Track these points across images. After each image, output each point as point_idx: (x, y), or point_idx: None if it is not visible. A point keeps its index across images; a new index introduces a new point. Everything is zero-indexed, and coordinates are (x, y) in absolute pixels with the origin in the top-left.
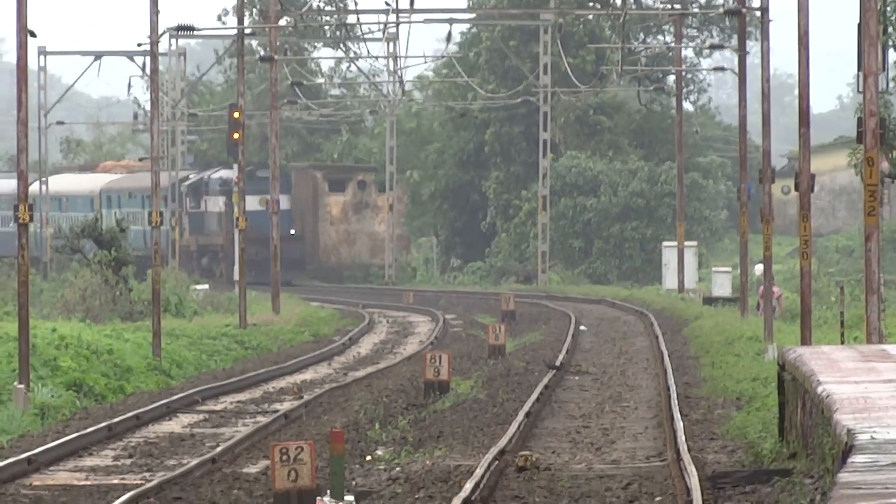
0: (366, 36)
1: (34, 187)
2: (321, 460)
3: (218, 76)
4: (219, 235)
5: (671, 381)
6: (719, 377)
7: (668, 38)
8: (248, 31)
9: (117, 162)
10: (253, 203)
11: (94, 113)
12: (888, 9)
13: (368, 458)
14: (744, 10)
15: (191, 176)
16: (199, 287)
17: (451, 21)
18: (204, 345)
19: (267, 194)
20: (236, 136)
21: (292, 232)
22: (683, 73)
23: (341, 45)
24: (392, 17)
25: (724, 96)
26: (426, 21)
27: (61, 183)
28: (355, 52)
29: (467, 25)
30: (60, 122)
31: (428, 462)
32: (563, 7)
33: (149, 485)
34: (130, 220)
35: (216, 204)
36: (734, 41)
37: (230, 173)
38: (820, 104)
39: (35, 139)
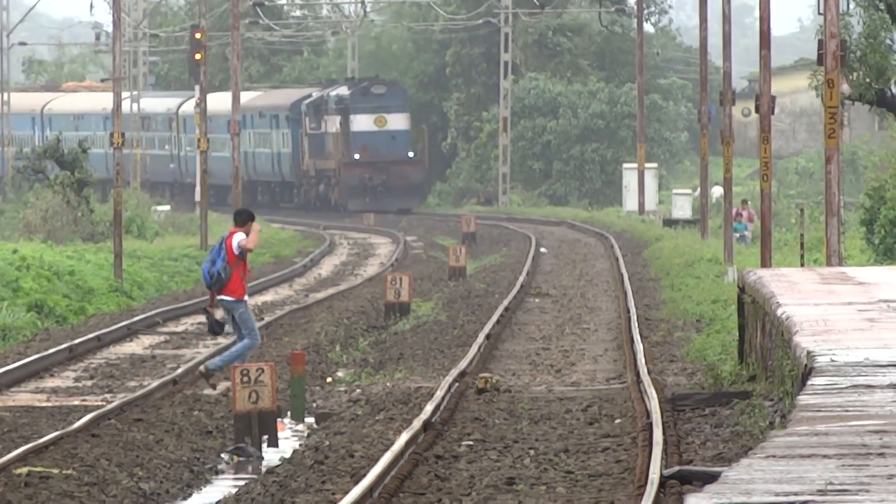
0: None
1: None
2: (282, 382)
3: None
4: (333, 159)
5: (631, 304)
6: (679, 299)
7: None
8: None
9: (79, 83)
10: (368, 123)
11: (56, 34)
12: None
13: (329, 379)
14: None
15: (313, 94)
16: (160, 208)
17: None
18: (165, 266)
19: (383, 113)
20: (198, 56)
21: (410, 155)
22: None
23: None
24: None
25: (684, 17)
26: None
27: (210, 104)
28: None
29: None
30: (23, 44)
31: (388, 384)
32: None
33: (109, 406)
34: (260, 142)
35: (334, 124)
36: None
37: (346, 90)
38: (780, 26)
39: None
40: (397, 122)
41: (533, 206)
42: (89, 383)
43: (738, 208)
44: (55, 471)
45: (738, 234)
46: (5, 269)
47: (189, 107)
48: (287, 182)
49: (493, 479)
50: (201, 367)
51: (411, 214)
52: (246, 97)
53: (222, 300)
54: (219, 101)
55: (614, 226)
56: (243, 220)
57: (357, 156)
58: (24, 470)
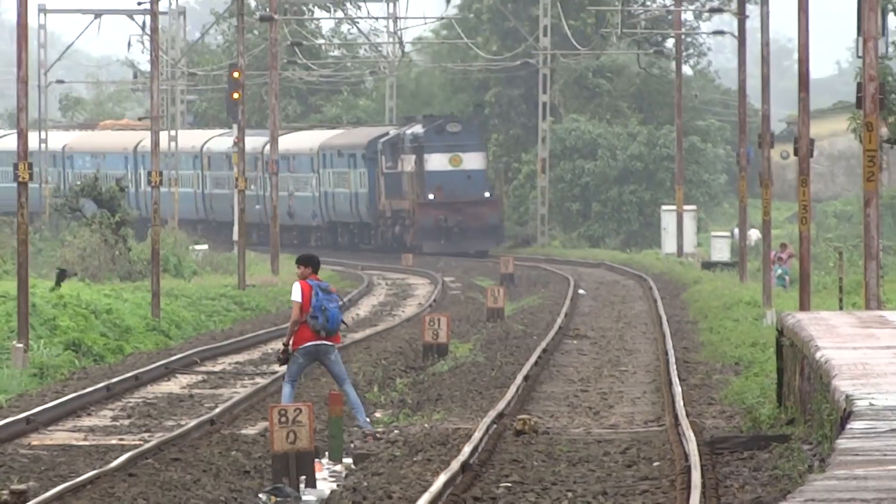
0: None
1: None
2: (320, 422)
3: (217, 37)
4: (408, 199)
5: (669, 346)
6: (718, 342)
7: (668, 1)
8: None
9: (117, 121)
10: (443, 162)
11: (93, 72)
12: None
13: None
14: None
15: (390, 131)
16: (198, 247)
17: None
18: (203, 305)
19: (458, 151)
20: (236, 95)
21: (487, 195)
22: (683, 37)
23: (341, 6)
24: None
25: (723, 60)
26: None
27: (288, 142)
28: (355, 13)
29: None
30: (60, 81)
31: (426, 425)
32: None
33: (147, 445)
34: (339, 181)
35: (409, 163)
36: (734, 4)
37: (420, 129)
38: (819, 69)
39: (35, 97)
40: (473, 161)
41: (571, 248)
42: (127, 422)
43: (776, 251)
44: None
45: (778, 274)
46: (43, 308)
47: (261, 147)
48: (364, 223)
49: None
50: (365, 432)
51: (489, 258)
52: (325, 135)
53: (325, 344)
54: (298, 141)
55: (653, 268)
56: (317, 267)
57: (431, 196)
58: None
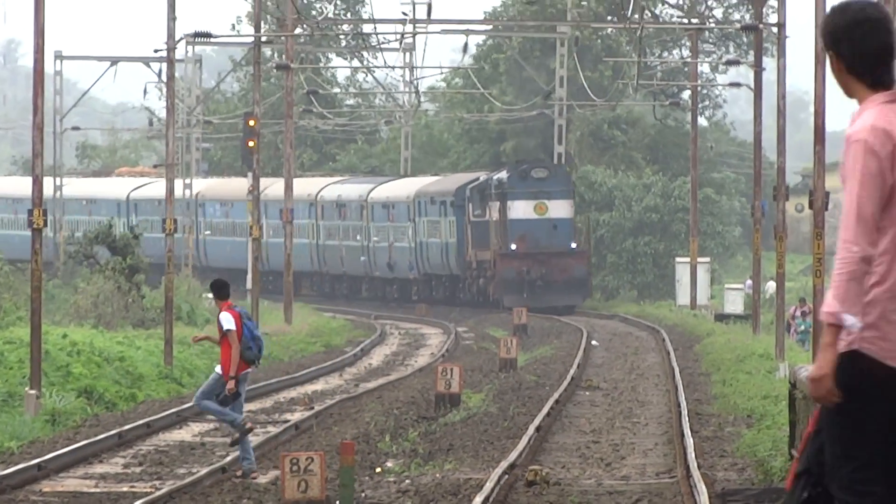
0: (382, 46)
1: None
2: (331, 471)
3: (233, 84)
4: (489, 249)
5: (682, 398)
6: (730, 394)
7: (685, 53)
8: (264, 38)
9: (133, 168)
10: (527, 209)
11: (109, 118)
12: None
13: (378, 469)
14: (761, 26)
15: (481, 177)
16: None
17: (467, 32)
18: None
19: (543, 199)
20: (251, 144)
21: (573, 246)
22: (699, 89)
23: (357, 55)
24: (409, 27)
25: (738, 112)
26: (443, 32)
27: (388, 190)
28: (371, 62)
29: (483, 37)
30: (76, 128)
31: (438, 475)
32: (580, 20)
33: (158, 493)
34: (432, 231)
35: (494, 210)
36: (750, 57)
37: (505, 174)
38: (834, 121)
39: (50, 144)
40: (559, 209)
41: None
42: (138, 470)
43: (796, 306)
44: None
45: (801, 330)
46: (56, 354)
47: (366, 193)
48: (454, 275)
49: None
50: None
51: (575, 315)
52: (421, 182)
53: (248, 373)
54: (396, 188)
55: (666, 319)
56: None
57: (514, 246)
58: None
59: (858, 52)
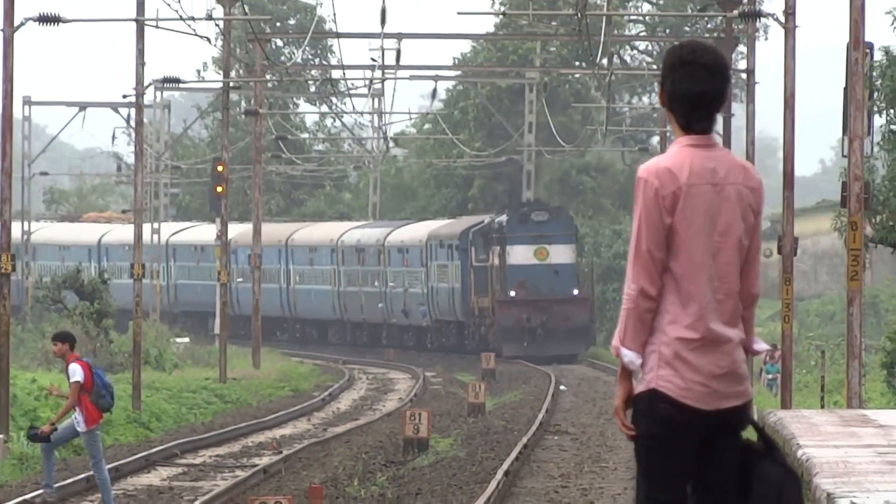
0: (350, 91)
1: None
2: None
3: (201, 130)
4: (487, 296)
5: None
6: None
7: (654, 99)
8: (232, 84)
9: (101, 213)
10: (527, 255)
11: (77, 164)
12: (874, 73)
13: None
14: (730, 73)
15: (485, 219)
16: (179, 340)
17: (436, 78)
18: (184, 398)
19: (544, 244)
20: (219, 189)
21: (575, 292)
22: (668, 135)
23: (326, 100)
24: (377, 73)
25: None
26: (412, 77)
27: (403, 234)
28: (340, 107)
29: (452, 83)
30: (44, 173)
31: None
32: (549, 66)
33: None
34: (442, 276)
35: (495, 255)
36: None
37: (505, 218)
38: (802, 167)
39: (19, 189)
40: (561, 254)
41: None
42: None
43: (768, 352)
44: None
45: (770, 376)
46: (24, 399)
47: (384, 237)
48: (460, 322)
49: None
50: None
51: (579, 363)
52: (434, 225)
53: (98, 431)
54: (411, 232)
55: None
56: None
57: (513, 293)
58: None
59: (677, 92)
